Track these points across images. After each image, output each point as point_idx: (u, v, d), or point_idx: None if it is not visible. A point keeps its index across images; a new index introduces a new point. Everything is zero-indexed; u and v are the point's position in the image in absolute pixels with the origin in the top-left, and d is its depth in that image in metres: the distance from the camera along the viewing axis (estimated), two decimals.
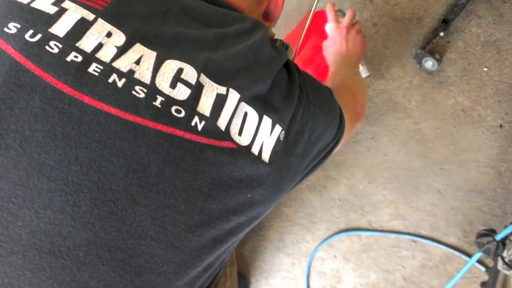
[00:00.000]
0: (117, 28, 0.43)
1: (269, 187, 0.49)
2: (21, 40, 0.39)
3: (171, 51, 0.44)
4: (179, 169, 0.42)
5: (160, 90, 0.42)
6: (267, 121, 0.48)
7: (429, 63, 1.47)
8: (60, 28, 0.41)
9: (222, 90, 0.45)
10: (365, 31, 1.59)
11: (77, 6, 0.43)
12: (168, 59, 0.44)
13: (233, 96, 0.45)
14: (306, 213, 1.51)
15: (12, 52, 0.39)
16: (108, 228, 0.40)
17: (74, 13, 0.42)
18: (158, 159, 0.41)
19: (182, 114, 0.42)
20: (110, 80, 0.40)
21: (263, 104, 0.48)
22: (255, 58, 0.50)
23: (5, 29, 0.40)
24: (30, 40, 0.40)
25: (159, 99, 0.42)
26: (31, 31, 0.40)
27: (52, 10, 0.42)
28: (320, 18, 1.28)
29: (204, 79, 0.44)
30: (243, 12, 0.58)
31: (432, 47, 1.53)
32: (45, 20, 0.41)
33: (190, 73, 0.44)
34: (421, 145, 1.48)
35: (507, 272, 0.97)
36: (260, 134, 0.48)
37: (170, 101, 0.42)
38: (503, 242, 1.01)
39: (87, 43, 0.41)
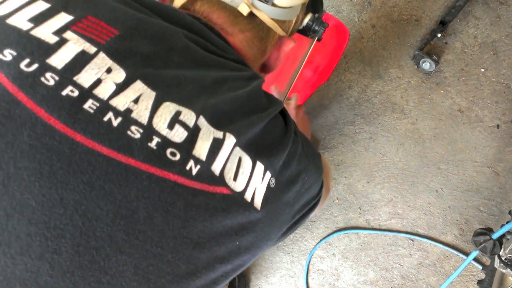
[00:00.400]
0: (118, 64, 0.41)
1: (258, 234, 0.48)
2: (15, 68, 0.37)
3: (170, 93, 0.42)
4: (169, 216, 0.39)
5: (157, 131, 0.40)
6: (259, 167, 0.47)
7: (427, 64, 1.49)
8: (59, 59, 0.39)
9: (219, 134, 0.43)
10: (364, 33, 1.60)
11: (79, 38, 0.41)
12: (167, 101, 0.42)
13: (230, 140, 0.44)
14: None
15: (4, 81, 0.37)
16: (88, 278, 0.37)
17: (75, 45, 0.40)
18: (148, 204, 0.38)
19: (177, 157, 0.40)
20: (105, 119, 0.38)
21: (256, 149, 0.47)
22: (251, 104, 0.49)
23: (0, 56, 0.38)
24: (25, 69, 0.37)
25: (155, 140, 0.40)
26: (27, 60, 0.38)
27: (53, 39, 0.39)
28: None
29: (202, 122, 0.43)
30: (247, 59, 0.58)
31: (429, 48, 1.55)
32: (44, 50, 0.39)
33: (188, 116, 0.42)
34: (418, 145, 1.50)
35: (503, 271, 0.99)
36: (253, 180, 0.46)
37: (166, 143, 0.40)
38: (499, 241, 1.02)
39: (85, 78, 0.39)
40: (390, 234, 1.46)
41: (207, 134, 0.43)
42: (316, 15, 0.70)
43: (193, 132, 0.42)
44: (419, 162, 1.49)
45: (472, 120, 1.48)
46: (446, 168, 1.47)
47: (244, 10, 0.53)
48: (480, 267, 1.38)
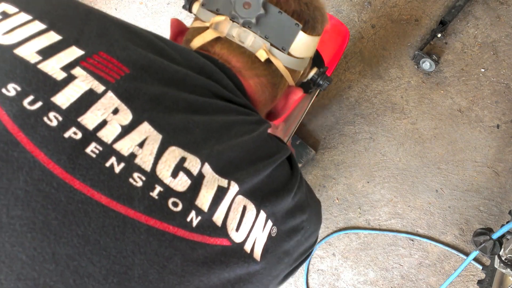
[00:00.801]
0: (126, 104, 0.39)
1: (255, 285, 0.45)
2: (18, 106, 0.35)
3: (177, 136, 0.41)
4: (165, 272, 0.37)
5: (160, 179, 0.38)
6: (262, 216, 0.45)
7: (427, 64, 1.49)
8: (64, 98, 0.37)
9: (224, 182, 0.42)
10: (364, 33, 1.60)
11: (88, 75, 0.39)
12: (173, 145, 0.40)
13: (233, 189, 0.42)
14: None
15: (5, 119, 0.35)
16: None
17: (83, 83, 0.38)
18: (144, 259, 0.36)
19: (179, 208, 0.38)
20: (107, 164, 0.36)
21: (261, 197, 0.45)
22: (258, 150, 0.48)
23: (3, 90, 0.36)
24: (29, 107, 0.35)
25: (157, 189, 0.38)
26: (31, 97, 0.36)
27: (60, 76, 0.38)
28: None
29: (206, 169, 0.41)
30: (257, 103, 0.58)
31: (429, 48, 1.55)
32: (50, 87, 0.37)
33: (193, 163, 0.40)
34: (418, 145, 1.50)
35: (503, 271, 0.99)
36: (254, 230, 0.44)
37: (168, 192, 0.38)
38: (499, 241, 1.02)
39: (90, 119, 0.37)
40: (390, 234, 1.46)
41: (211, 182, 0.41)
42: (321, 69, 0.73)
43: (197, 181, 0.40)
44: (419, 162, 1.49)
45: (472, 120, 1.48)
46: (446, 168, 1.47)
47: (263, 56, 0.55)
48: (480, 267, 1.38)
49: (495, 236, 1.02)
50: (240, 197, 0.43)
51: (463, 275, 1.41)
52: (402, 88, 1.54)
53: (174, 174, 0.39)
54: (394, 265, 1.45)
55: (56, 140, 0.35)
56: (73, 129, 0.36)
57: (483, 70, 1.50)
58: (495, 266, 1.00)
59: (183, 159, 0.40)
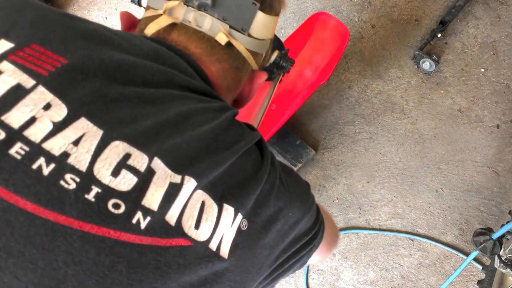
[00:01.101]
0: (60, 98, 0.36)
1: (225, 285, 0.42)
2: None
3: (122, 130, 0.37)
4: (107, 282, 0.33)
5: (97, 179, 0.35)
6: (228, 209, 0.42)
7: (427, 64, 1.49)
8: None
9: (177, 178, 0.38)
10: (364, 33, 1.61)
11: (16, 69, 0.35)
12: (116, 139, 0.37)
13: (189, 184, 0.39)
14: None
15: None
16: None
17: (9, 78, 0.35)
18: (79, 270, 0.32)
19: (121, 209, 0.35)
20: (34, 166, 0.33)
21: (223, 190, 0.42)
22: (218, 140, 0.44)
23: None
24: None
25: (94, 190, 0.34)
26: None
27: None
28: (317, 20, 1.29)
29: (157, 164, 0.38)
30: (220, 90, 0.56)
31: (429, 48, 1.55)
32: None
33: (139, 159, 0.37)
34: (418, 145, 1.50)
35: (503, 271, 0.99)
36: (220, 226, 0.41)
37: (107, 193, 0.35)
38: (499, 241, 1.02)
39: (15, 117, 0.34)
40: (390, 234, 1.46)
41: (162, 178, 0.38)
42: (283, 51, 0.72)
43: (145, 178, 0.37)
44: (419, 162, 1.49)
45: (472, 120, 1.48)
46: (446, 168, 1.47)
47: (222, 39, 0.52)
48: (480, 267, 1.38)
49: (495, 236, 1.02)
50: (199, 192, 0.40)
51: (463, 275, 1.41)
52: (402, 88, 1.54)
53: (116, 173, 0.36)
54: (394, 265, 1.45)
55: None
56: None
57: (483, 70, 1.50)
58: (495, 266, 1.00)
59: (127, 156, 0.37)
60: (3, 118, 0.33)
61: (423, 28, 1.57)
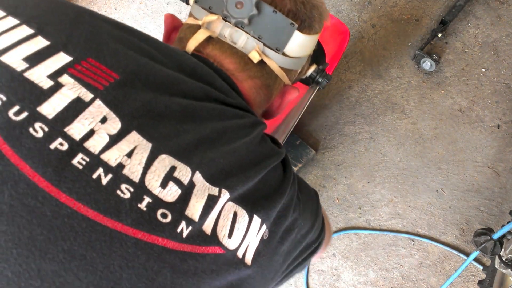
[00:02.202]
0: (115, 112, 0.38)
1: None
2: (3, 117, 0.34)
3: (168, 144, 0.40)
4: (154, 285, 0.36)
5: (148, 190, 0.37)
6: (256, 220, 0.45)
7: (427, 64, 1.49)
8: (51, 108, 0.36)
9: (214, 191, 0.41)
10: (364, 32, 1.60)
11: (76, 82, 0.37)
12: (163, 153, 0.39)
13: (224, 196, 0.42)
14: None
15: None
16: None
17: (70, 91, 0.37)
18: (131, 274, 0.35)
19: (168, 219, 0.38)
20: (94, 176, 0.35)
21: (253, 203, 0.45)
22: (250, 156, 0.47)
23: None
24: (14, 118, 0.34)
25: (146, 200, 0.37)
26: (17, 107, 0.35)
27: (47, 84, 0.36)
28: None
29: (197, 178, 0.40)
30: (252, 105, 0.57)
31: (430, 48, 1.54)
32: (36, 96, 0.36)
33: (183, 172, 0.40)
34: (419, 145, 1.50)
35: (504, 271, 0.98)
36: (248, 235, 0.44)
37: (157, 203, 0.38)
38: (500, 241, 1.02)
39: (77, 129, 0.36)
40: (391, 234, 1.46)
41: (202, 191, 0.40)
42: (321, 66, 0.70)
43: (187, 190, 0.39)
44: (420, 162, 1.49)
45: (472, 120, 1.48)
46: (446, 168, 1.47)
47: (255, 57, 0.53)
48: (481, 268, 1.38)
49: (495, 236, 1.01)
50: (230, 203, 0.43)
51: (463, 275, 1.41)
52: (402, 88, 1.54)
53: (164, 185, 0.38)
54: (394, 266, 1.44)
55: (41, 152, 0.34)
56: (59, 139, 0.35)
57: (483, 70, 1.50)
58: (496, 266, 1.00)
59: (173, 168, 0.39)
60: (66, 130, 0.36)
61: (424, 28, 1.57)
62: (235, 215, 0.43)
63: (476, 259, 1.40)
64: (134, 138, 0.38)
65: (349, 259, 1.47)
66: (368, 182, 1.51)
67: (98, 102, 0.38)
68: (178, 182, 0.39)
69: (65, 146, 0.35)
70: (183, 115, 0.43)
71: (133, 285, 0.36)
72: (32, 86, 0.36)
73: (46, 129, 0.35)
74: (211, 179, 0.41)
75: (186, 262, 0.38)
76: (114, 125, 0.38)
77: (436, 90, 1.51)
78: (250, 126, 0.49)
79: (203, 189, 0.40)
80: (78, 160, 0.35)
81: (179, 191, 0.39)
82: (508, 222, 0.98)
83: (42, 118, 0.35)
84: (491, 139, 1.46)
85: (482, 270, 1.21)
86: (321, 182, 1.53)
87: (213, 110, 0.46)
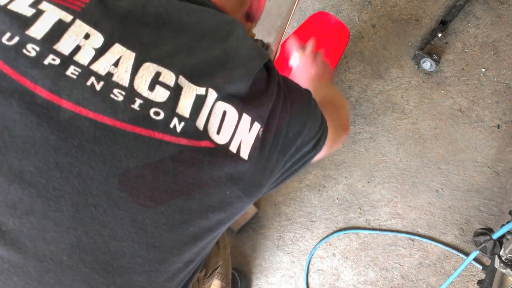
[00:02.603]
0: (95, 29, 0.43)
1: (248, 183, 0.50)
2: None
3: (149, 53, 0.44)
4: (159, 172, 0.42)
5: (138, 93, 0.42)
6: (246, 118, 0.48)
7: (427, 64, 1.49)
8: (38, 30, 0.40)
9: (201, 90, 0.45)
10: (364, 32, 1.60)
11: (55, 7, 0.42)
12: (146, 61, 0.43)
13: (212, 96, 0.45)
14: (305, 212, 1.52)
15: None
16: (90, 232, 0.41)
17: (51, 15, 0.41)
18: (137, 162, 0.41)
19: (161, 116, 0.42)
20: (88, 83, 0.40)
21: (243, 103, 0.48)
22: (232, 59, 0.50)
23: None
24: (7, 43, 0.39)
25: (138, 102, 0.42)
26: (8, 34, 0.39)
27: (29, 12, 0.41)
28: (317, 20, 1.29)
29: (182, 81, 0.44)
30: (227, 13, 0.58)
31: (430, 48, 1.54)
32: (22, 23, 0.40)
33: (168, 76, 0.44)
34: (419, 145, 1.50)
35: (504, 271, 0.98)
36: (238, 132, 0.47)
37: (148, 103, 0.42)
38: (500, 241, 1.02)
39: (64, 46, 0.41)
40: (390, 234, 1.46)
41: (190, 92, 0.44)
42: None
43: (175, 91, 0.44)
44: (420, 162, 1.49)
45: (472, 120, 1.48)
46: (446, 168, 1.47)
47: None
48: (480, 267, 1.38)
49: (495, 236, 1.01)
50: (220, 103, 0.46)
51: (463, 275, 1.41)
52: (402, 88, 1.54)
53: (151, 88, 0.43)
54: (394, 265, 1.45)
55: (37, 67, 0.39)
56: (51, 56, 0.40)
57: (483, 70, 1.50)
58: (495, 266, 1.00)
59: (158, 74, 0.43)
60: (55, 47, 0.40)
61: (424, 27, 1.57)
62: (224, 113, 0.46)
63: (476, 259, 1.40)
64: (118, 50, 0.43)
65: (349, 259, 1.47)
66: (368, 182, 1.51)
67: (78, 22, 0.42)
68: (164, 85, 0.43)
69: (57, 61, 0.40)
70: (160, 21, 0.47)
71: (140, 171, 0.41)
72: (17, 15, 0.41)
73: (38, 48, 0.40)
74: (196, 81, 0.45)
75: (184, 153, 0.43)
76: (97, 39, 0.42)
77: (436, 90, 1.51)
78: (230, 26, 0.52)
79: (190, 90, 0.45)
80: (71, 71, 0.40)
81: (167, 92, 0.43)
82: (507, 222, 0.98)
83: (32, 40, 0.40)
84: (491, 139, 1.46)
85: (482, 270, 1.21)
86: (321, 182, 1.54)
87: (192, 11, 0.49)
